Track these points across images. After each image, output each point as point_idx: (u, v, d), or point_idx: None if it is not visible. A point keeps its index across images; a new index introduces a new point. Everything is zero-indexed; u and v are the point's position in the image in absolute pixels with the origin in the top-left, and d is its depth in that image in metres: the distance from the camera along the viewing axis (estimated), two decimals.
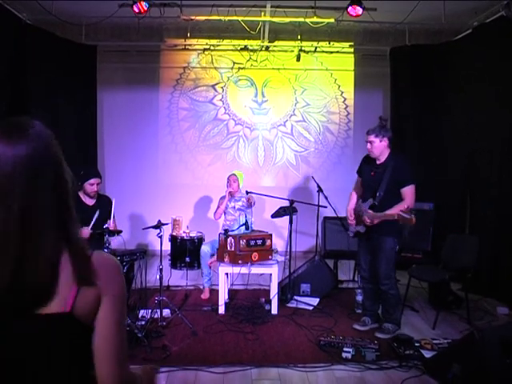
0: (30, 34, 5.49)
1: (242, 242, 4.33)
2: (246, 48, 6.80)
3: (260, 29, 6.19)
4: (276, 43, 6.79)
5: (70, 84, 6.13)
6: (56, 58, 5.83)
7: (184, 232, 4.86)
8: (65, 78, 6.01)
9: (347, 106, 7.20)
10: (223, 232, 4.51)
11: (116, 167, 6.95)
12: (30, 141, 0.99)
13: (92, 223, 3.83)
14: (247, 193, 4.80)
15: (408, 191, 3.76)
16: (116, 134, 6.98)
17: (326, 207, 5.08)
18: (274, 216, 4.96)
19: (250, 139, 7.16)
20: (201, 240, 4.84)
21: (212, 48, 6.86)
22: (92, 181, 4.09)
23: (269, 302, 4.43)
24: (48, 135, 1.03)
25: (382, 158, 3.88)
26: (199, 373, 3.19)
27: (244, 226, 4.53)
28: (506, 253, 4.87)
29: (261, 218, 6.17)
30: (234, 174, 5.02)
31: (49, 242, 0.97)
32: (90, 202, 4.15)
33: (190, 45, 6.78)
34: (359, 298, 4.42)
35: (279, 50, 6.95)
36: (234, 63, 7.06)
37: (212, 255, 4.77)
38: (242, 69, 7.06)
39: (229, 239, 4.39)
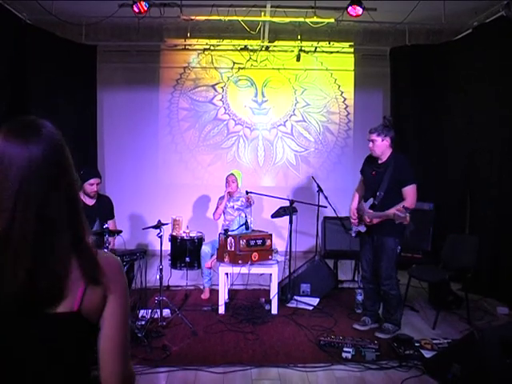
0: (29, 34, 5.49)
1: (242, 242, 4.33)
2: (246, 48, 6.80)
3: (260, 29, 6.19)
4: (276, 43, 6.79)
5: (70, 84, 6.13)
6: (56, 57, 5.83)
7: (184, 232, 4.86)
8: (65, 77, 6.01)
9: (347, 106, 7.20)
10: (223, 232, 4.51)
11: (116, 167, 6.95)
12: (43, 141, 0.99)
13: (94, 228, 3.83)
14: (247, 193, 4.80)
15: (409, 191, 3.75)
16: (116, 134, 6.98)
17: (326, 207, 5.08)
18: (273, 216, 4.96)
19: (250, 139, 7.16)
20: (201, 240, 4.84)
21: (212, 48, 6.86)
22: (92, 181, 4.09)
23: (269, 301, 4.43)
24: (59, 135, 1.04)
25: (384, 158, 3.88)
26: (199, 373, 3.19)
27: (244, 226, 4.53)
28: (506, 253, 4.87)
29: (261, 218, 6.17)
30: (232, 174, 5.02)
31: (63, 242, 0.99)
32: (90, 202, 4.15)
33: (190, 45, 6.78)
34: (359, 298, 4.42)
35: (279, 50, 6.96)
36: (234, 63, 7.06)
37: (212, 255, 4.77)
38: (242, 69, 7.06)
39: (229, 239, 4.39)
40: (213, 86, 7.10)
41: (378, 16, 5.69)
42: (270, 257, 4.52)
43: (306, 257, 5.68)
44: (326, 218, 5.48)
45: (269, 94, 7.14)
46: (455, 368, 2.85)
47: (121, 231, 3.99)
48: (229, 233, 4.46)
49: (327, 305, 4.62)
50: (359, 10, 5.24)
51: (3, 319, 0.94)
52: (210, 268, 4.78)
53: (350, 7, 5.25)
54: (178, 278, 5.29)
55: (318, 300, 4.68)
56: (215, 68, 7.07)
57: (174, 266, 4.77)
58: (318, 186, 5.27)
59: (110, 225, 3.99)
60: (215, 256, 4.70)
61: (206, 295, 4.80)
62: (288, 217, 4.68)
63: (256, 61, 7.02)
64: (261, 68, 7.06)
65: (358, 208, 4.05)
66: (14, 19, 5.32)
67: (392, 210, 3.59)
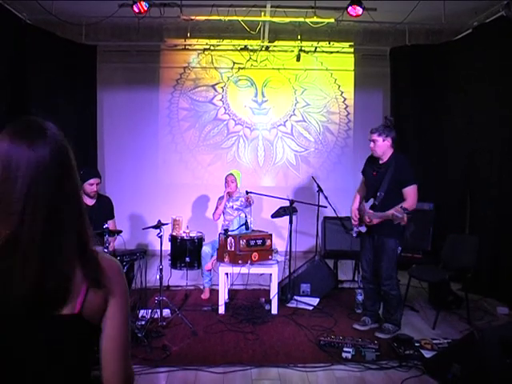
0: (29, 34, 5.49)
1: (242, 242, 4.33)
2: (246, 48, 6.80)
3: (260, 29, 6.19)
4: (276, 43, 6.79)
5: (70, 84, 6.13)
6: (56, 58, 5.83)
7: (184, 232, 4.86)
8: (65, 77, 6.01)
9: (347, 106, 7.20)
10: (223, 232, 4.51)
11: (116, 167, 6.95)
12: (49, 143, 1.00)
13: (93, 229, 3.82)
14: (247, 193, 4.80)
15: (410, 191, 3.74)
16: (116, 134, 6.98)
17: (326, 207, 5.08)
18: (273, 216, 4.96)
19: (250, 139, 7.16)
20: (201, 240, 4.84)
21: (212, 48, 6.86)
22: (92, 181, 4.08)
23: (269, 301, 4.43)
24: (62, 137, 1.04)
25: (385, 158, 3.88)
26: (199, 373, 3.19)
27: (244, 226, 4.53)
28: (506, 253, 4.87)
29: (260, 218, 6.18)
30: (231, 174, 5.01)
31: (70, 244, 0.99)
32: (90, 202, 4.15)
33: (190, 45, 6.78)
34: (359, 298, 4.42)
35: (279, 50, 6.96)
36: (234, 63, 7.06)
37: (212, 256, 4.76)
38: (242, 69, 7.06)
39: (229, 239, 4.39)
40: (213, 86, 7.10)
41: (378, 16, 5.69)
42: (269, 257, 4.52)
43: (305, 257, 5.69)
44: (325, 217, 5.48)
45: (269, 94, 7.14)
46: (455, 368, 2.85)
47: (121, 231, 3.99)
48: (229, 233, 4.46)
49: (327, 305, 4.62)
50: (359, 10, 5.24)
51: (10, 321, 0.94)
52: (211, 270, 4.78)
53: (350, 7, 5.25)
54: (178, 278, 5.29)
55: (317, 300, 4.68)
56: (215, 68, 7.07)
57: (174, 266, 4.78)
58: (318, 186, 5.27)
59: (109, 225, 3.99)
60: (215, 257, 4.70)
61: (206, 295, 4.80)
62: (288, 217, 4.68)
63: (256, 61, 7.02)
64: (261, 68, 7.06)
65: (359, 208, 4.05)
66: (14, 19, 5.32)
67: (391, 211, 3.59)
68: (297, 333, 3.90)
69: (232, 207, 5.03)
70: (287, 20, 5.84)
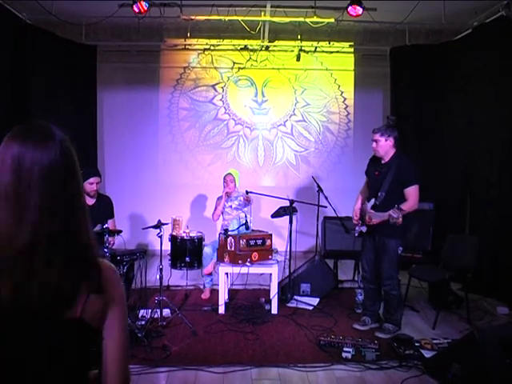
0: (29, 34, 5.49)
1: (242, 242, 4.33)
2: (245, 48, 6.80)
3: (260, 29, 6.19)
4: (276, 43, 6.79)
5: (70, 84, 6.13)
6: (56, 58, 5.83)
7: (184, 232, 4.85)
8: (65, 77, 6.01)
9: (347, 106, 7.20)
10: (223, 232, 4.51)
11: (116, 167, 6.95)
12: (58, 145, 1.02)
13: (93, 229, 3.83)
14: (247, 192, 4.80)
15: (411, 191, 3.73)
16: (116, 134, 6.98)
17: (326, 207, 5.08)
18: (273, 216, 4.96)
19: (250, 139, 7.16)
20: (201, 240, 4.83)
21: (212, 48, 6.86)
22: (91, 180, 4.08)
23: (269, 301, 4.43)
24: (67, 139, 1.06)
25: (387, 158, 3.87)
26: (199, 373, 3.19)
27: (244, 226, 4.53)
28: (506, 253, 4.87)
29: (260, 218, 6.18)
30: (230, 174, 5.01)
31: (73, 246, 1.00)
32: (90, 201, 4.15)
33: (189, 45, 6.78)
34: (359, 297, 4.42)
35: (279, 50, 6.96)
36: (234, 63, 7.06)
37: (211, 259, 4.76)
38: (242, 69, 7.06)
39: (229, 239, 4.39)
40: (213, 86, 7.10)
41: (378, 16, 5.69)
42: (269, 257, 4.52)
43: (305, 257, 5.69)
44: (326, 217, 5.48)
45: (269, 94, 7.14)
46: (455, 368, 2.85)
47: (121, 231, 3.99)
48: (229, 233, 4.45)
49: (327, 305, 4.62)
50: (359, 10, 5.24)
51: (12, 321, 0.95)
52: (211, 273, 4.78)
53: (349, 7, 5.25)
54: (177, 278, 5.29)
55: (317, 300, 4.68)
56: (215, 68, 7.07)
57: (174, 265, 4.76)
58: (318, 185, 5.27)
59: (109, 224, 3.99)
60: (214, 260, 4.70)
61: (206, 295, 4.80)
62: (288, 217, 4.68)
63: (256, 61, 7.02)
64: (261, 68, 7.06)
65: (361, 208, 4.04)
66: (14, 19, 5.32)
67: (389, 211, 3.60)
68: (297, 333, 3.90)
69: (231, 207, 5.03)
70: (287, 20, 5.84)
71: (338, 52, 6.92)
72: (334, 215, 5.23)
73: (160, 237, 3.96)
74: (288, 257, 4.68)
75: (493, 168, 5.11)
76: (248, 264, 4.32)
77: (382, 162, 3.90)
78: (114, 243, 4.11)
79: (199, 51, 6.98)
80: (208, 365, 3.27)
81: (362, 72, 7.07)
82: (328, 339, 3.61)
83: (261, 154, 7.17)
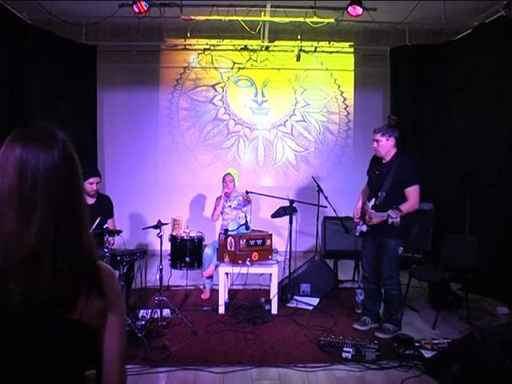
0: (29, 34, 5.49)
1: (242, 242, 4.33)
2: (246, 48, 6.80)
3: (260, 29, 6.19)
4: (276, 43, 6.79)
5: (70, 84, 6.13)
6: (56, 57, 5.83)
7: (184, 232, 4.86)
8: (65, 77, 6.01)
9: (347, 106, 7.20)
10: (223, 232, 4.51)
11: (116, 167, 6.95)
12: (60, 146, 1.03)
13: (93, 227, 3.84)
14: (247, 192, 4.80)
15: (412, 191, 3.73)
16: (116, 134, 6.98)
17: (326, 207, 5.09)
18: (273, 216, 4.96)
19: (250, 139, 7.16)
20: (201, 240, 4.83)
21: (212, 48, 6.87)
22: (91, 180, 4.09)
23: (269, 301, 4.43)
24: (69, 140, 1.07)
25: (388, 158, 3.87)
26: (199, 373, 3.19)
27: (244, 226, 4.53)
28: (506, 253, 4.87)
29: (260, 218, 6.18)
30: (229, 174, 5.01)
31: (80, 249, 1.01)
32: (90, 200, 4.15)
33: (189, 45, 6.78)
34: (359, 297, 4.42)
35: (279, 50, 6.96)
36: (234, 63, 7.06)
37: (211, 261, 4.76)
38: (242, 69, 7.06)
39: (229, 239, 4.39)
40: (213, 86, 7.10)
41: (378, 16, 5.69)
42: (269, 257, 4.52)
43: (305, 257, 5.69)
44: (325, 217, 5.48)
45: (269, 94, 7.14)
46: (455, 368, 2.85)
47: (121, 231, 3.99)
48: (229, 233, 4.45)
49: (327, 305, 4.61)
50: (359, 10, 5.24)
51: (13, 322, 0.95)
52: (211, 276, 4.78)
53: (350, 7, 5.25)
54: (177, 278, 5.29)
55: (317, 300, 4.68)
56: (215, 68, 7.07)
57: (174, 265, 4.77)
58: (318, 185, 5.27)
59: (109, 224, 4.00)
60: (213, 265, 4.70)
61: (206, 295, 4.80)
62: (288, 217, 4.68)
63: (256, 61, 7.02)
64: (261, 68, 7.07)
65: (362, 207, 4.04)
66: (14, 19, 5.32)
67: (389, 211, 3.59)
68: (297, 333, 3.90)
69: (230, 206, 5.03)
70: (287, 20, 5.84)
71: (338, 52, 6.92)
72: (334, 215, 5.23)
73: (160, 237, 3.96)
74: (288, 257, 4.67)
75: (493, 168, 5.11)
76: (248, 264, 4.32)
77: (383, 161, 3.89)
78: (114, 243, 4.11)
79: (199, 51, 6.99)
80: (208, 365, 3.27)
81: (362, 72, 7.07)
82: (328, 339, 3.61)
83: (261, 154, 7.17)
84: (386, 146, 3.83)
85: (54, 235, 0.97)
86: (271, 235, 4.59)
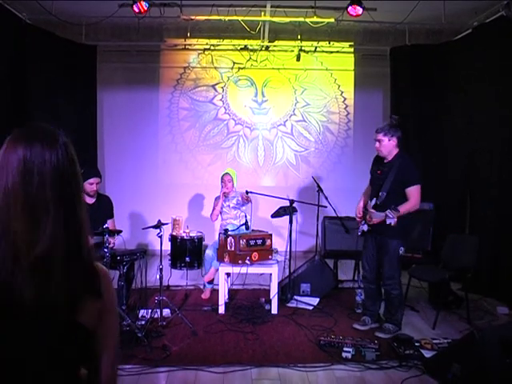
0: (29, 34, 5.48)
1: (242, 242, 4.33)
2: (245, 48, 6.80)
3: (260, 29, 6.19)
4: (276, 43, 6.79)
5: (70, 84, 6.13)
6: (56, 58, 5.83)
7: (184, 232, 4.86)
8: (65, 77, 6.01)
9: (347, 106, 7.20)
10: (223, 232, 4.51)
11: (116, 167, 6.95)
12: (62, 145, 1.03)
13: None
14: (247, 192, 4.80)
15: (413, 191, 3.72)
16: (116, 134, 6.97)
17: (326, 207, 5.09)
18: (273, 216, 4.96)
19: (250, 139, 7.16)
20: (201, 240, 4.84)
21: (212, 48, 6.86)
22: (91, 180, 4.09)
23: (269, 301, 4.43)
24: (70, 143, 1.07)
25: (390, 157, 3.86)
26: (199, 373, 3.19)
27: (244, 226, 4.53)
28: (506, 253, 4.87)
29: (260, 218, 6.18)
30: (228, 174, 5.01)
31: (81, 250, 1.01)
32: (90, 200, 4.15)
33: (189, 45, 6.78)
34: (359, 297, 4.42)
35: (279, 50, 6.95)
36: (234, 63, 7.06)
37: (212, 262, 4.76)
38: (242, 69, 7.06)
39: (229, 239, 4.39)
40: (213, 86, 7.10)
41: (378, 16, 5.69)
42: (269, 257, 4.52)
43: (305, 257, 5.68)
44: (325, 217, 5.48)
45: (269, 94, 7.14)
46: (455, 368, 2.85)
47: (121, 231, 3.99)
48: (229, 232, 4.46)
49: (327, 305, 4.62)
50: (359, 10, 5.24)
51: (14, 323, 0.95)
52: (212, 280, 4.78)
53: (350, 7, 5.24)
54: (177, 278, 5.29)
55: (317, 300, 4.68)
56: (215, 68, 7.07)
57: (173, 265, 4.77)
58: (318, 185, 5.27)
59: (109, 224, 4.00)
60: (213, 269, 4.70)
61: (206, 295, 4.80)
62: (288, 217, 4.68)
63: (256, 61, 7.02)
64: (261, 68, 7.06)
65: (364, 207, 4.03)
66: (14, 19, 5.32)
67: (387, 211, 3.59)
68: (297, 333, 3.90)
69: (229, 206, 5.03)
70: (287, 20, 5.84)
71: (338, 52, 6.92)
72: (334, 215, 5.23)
73: (160, 237, 3.96)
74: (288, 257, 4.68)
75: (493, 168, 5.11)
76: (248, 263, 4.32)
77: (385, 161, 3.89)
78: (114, 244, 4.10)
79: (199, 51, 6.98)
80: (208, 365, 3.27)
81: (362, 72, 7.07)
82: (328, 339, 3.61)
83: (261, 154, 7.17)
84: (388, 146, 3.82)
85: (65, 237, 0.97)
86: (271, 235, 4.59)
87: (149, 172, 7.04)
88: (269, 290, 4.49)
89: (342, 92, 7.19)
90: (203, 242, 4.86)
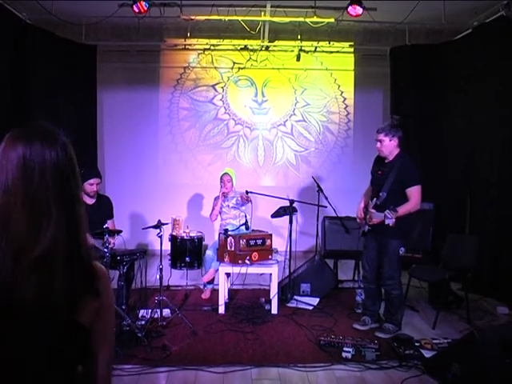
0: (29, 34, 5.48)
1: (242, 242, 4.33)
2: (245, 48, 6.80)
3: (260, 29, 6.19)
4: (276, 43, 6.79)
5: (70, 84, 6.13)
6: (56, 57, 5.83)
7: (184, 232, 4.86)
8: (65, 77, 6.01)
9: (347, 106, 7.20)
10: (223, 232, 4.51)
11: (116, 167, 6.95)
12: (61, 144, 1.03)
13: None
14: (247, 192, 4.80)
15: (413, 192, 3.72)
16: (116, 134, 6.97)
17: (326, 207, 5.09)
18: (273, 216, 4.96)
19: (250, 139, 7.16)
20: (201, 240, 4.84)
21: (212, 48, 6.86)
22: (92, 181, 4.09)
23: (269, 301, 4.43)
24: (69, 143, 1.08)
25: (391, 157, 3.86)
26: (199, 373, 3.19)
27: (244, 226, 4.53)
28: (506, 253, 4.87)
29: (260, 218, 6.17)
30: (227, 174, 5.01)
31: (80, 250, 1.01)
32: (90, 201, 4.15)
33: (190, 45, 6.78)
34: (359, 297, 4.42)
35: (279, 50, 6.95)
36: (234, 63, 7.06)
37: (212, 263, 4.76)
38: (242, 69, 7.06)
39: (229, 239, 4.39)
40: (213, 86, 7.10)
41: (378, 16, 5.69)
42: (269, 257, 4.52)
43: (306, 257, 5.68)
44: (325, 217, 5.48)
45: (269, 94, 7.14)
46: (455, 368, 2.86)
47: (121, 231, 3.99)
48: (229, 232, 4.46)
49: (327, 305, 4.62)
50: (359, 10, 5.24)
51: (14, 323, 0.95)
52: (212, 280, 4.78)
53: (349, 7, 5.25)
54: (177, 278, 5.29)
55: (317, 300, 4.68)
56: (215, 68, 7.07)
57: (173, 265, 4.77)
58: (318, 185, 5.27)
59: (109, 224, 3.99)
60: (213, 270, 4.70)
61: (206, 295, 4.80)
62: (288, 217, 4.68)
63: (256, 61, 7.02)
64: (261, 68, 7.06)
65: (364, 207, 4.03)
66: (14, 19, 5.32)
67: (385, 212, 3.59)
68: (297, 333, 3.90)
69: (228, 206, 5.03)
70: (287, 20, 5.84)
71: (338, 52, 6.92)
72: (334, 215, 5.23)
73: (160, 237, 3.96)
74: (288, 257, 4.68)
75: (493, 168, 5.11)
76: (248, 263, 4.32)
77: (386, 161, 3.89)
78: (114, 244, 4.10)
79: (199, 51, 6.98)
80: (208, 365, 3.27)
81: (362, 72, 7.07)
82: (328, 339, 3.61)
83: (261, 154, 7.17)
84: (389, 146, 3.82)
85: (67, 237, 0.97)
86: (271, 235, 4.59)
87: (149, 172, 7.04)
88: (269, 290, 4.49)
89: (342, 92, 7.19)
90: (203, 242, 4.87)
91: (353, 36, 6.84)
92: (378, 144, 3.85)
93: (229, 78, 7.09)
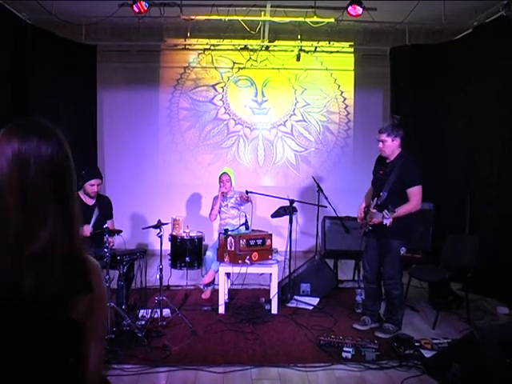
0: (30, 34, 5.48)
1: (242, 242, 4.33)
2: (245, 48, 6.81)
3: (260, 29, 6.19)
4: (276, 43, 6.79)
5: (70, 84, 6.13)
6: (56, 57, 5.83)
7: (184, 232, 4.86)
8: (65, 78, 6.01)
9: (347, 106, 7.19)
10: (223, 232, 4.51)
11: (116, 167, 6.95)
12: (57, 140, 1.03)
13: (92, 221, 3.84)
14: (247, 192, 4.80)
15: (414, 192, 3.71)
16: (116, 134, 6.97)
17: (326, 207, 5.09)
18: (273, 216, 4.96)
19: (250, 139, 7.16)
20: (201, 240, 4.84)
21: (212, 48, 6.86)
22: (93, 181, 4.08)
23: (269, 301, 4.43)
24: (66, 141, 1.07)
25: (392, 157, 3.86)
26: (199, 373, 3.19)
27: (244, 226, 4.53)
28: (506, 253, 4.87)
29: (260, 218, 6.17)
30: (226, 173, 5.01)
31: (74, 245, 1.01)
32: (90, 201, 4.15)
33: (190, 45, 6.78)
34: (359, 297, 4.42)
35: (279, 50, 6.96)
36: (234, 63, 7.06)
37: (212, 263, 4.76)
38: (242, 69, 7.06)
39: (229, 239, 4.39)
40: (213, 86, 7.10)
41: (377, 16, 5.69)
42: (269, 256, 4.52)
43: (305, 257, 5.68)
44: (325, 217, 5.47)
45: (269, 94, 7.14)
46: (455, 368, 2.85)
47: (121, 231, 3.99)
48: (229, 232, 4.46)
49: (327, 305, 4.61)
50: (359, 10, 5.24)
51: (13, 322, 0.95)
52: (211, 282, 4.78)
53: (349, 7, 5.25)
54: (177, 278, 5.29)
55: (317, 300, 4.68)
56: (215, 68, 7.07)
57: (173, 265, 4.77)
58: (318, 185, 5.27)
59: (108, 225, 3.99)
60: (212, 271, 4.70)
61: (206, 295, 4.80)
62: (288, 217, 4.68)
63: (256, 61, 7.02)
64: (261, 68, 7.06)
65: (365, 207, 4.03)
66: (14, 19, 5.32)
67: (384, 212, 3.59)
68: (297, 333, 3.90)
69: (227, 205, 5.03)
70: (287, 20, 5.84)
71: (338, 52, 6.92)
72: (334, 215, 5.23)
73: (160, 237, 3.96)
74: (288, 257, 4.68)
75: (493, 168, 5.11)
76: (248, 263, 4.32)
77: (387, 161, 3.89)
78: (114, 244, 4.10)
79: (199, 51, 6.98)
80: (208, 365, 3.27)
81: (362, 72, 7.07)
82: (328, 339, 3.61)
83: (261, 154, 7.17)
84: (392, 146, 3.82)
85: (65, 233, 0.97)
86: (271, 235, 4.59)
87: (149, 172, 7.04)
88: (269, 290, 4.49)
89: (342, 92, 7.19)
90: (203, 242, 4.87)
91: (353, 36, 6.84)
92: (380, 144, 3.85)
93: (229, 77, 7.09)
